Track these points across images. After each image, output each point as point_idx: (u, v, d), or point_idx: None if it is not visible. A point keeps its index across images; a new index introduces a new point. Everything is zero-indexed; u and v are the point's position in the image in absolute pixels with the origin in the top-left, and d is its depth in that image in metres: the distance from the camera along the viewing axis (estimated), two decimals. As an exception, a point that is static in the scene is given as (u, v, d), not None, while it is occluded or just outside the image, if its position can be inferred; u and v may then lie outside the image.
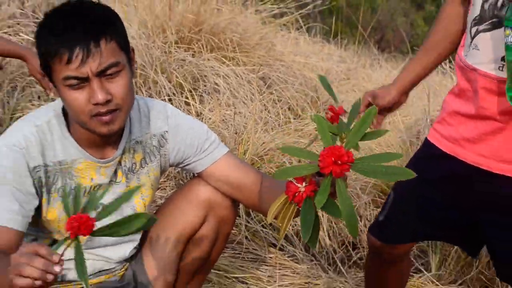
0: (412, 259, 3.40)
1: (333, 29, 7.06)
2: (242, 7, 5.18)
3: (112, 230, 1.68)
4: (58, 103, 2.07)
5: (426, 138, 2.40)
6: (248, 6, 5.26)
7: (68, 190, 2.08)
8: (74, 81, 1.85)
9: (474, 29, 2.14)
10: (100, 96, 1.85)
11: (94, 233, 1.60)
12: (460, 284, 3.29)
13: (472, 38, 2.15)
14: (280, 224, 1.77)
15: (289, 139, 3.80)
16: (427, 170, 2.00)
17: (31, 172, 1.97)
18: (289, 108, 4.41)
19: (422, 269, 3.34)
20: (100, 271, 2.32)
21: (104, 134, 1.98)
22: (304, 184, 1.69)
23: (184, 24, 4.55)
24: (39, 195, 2.01)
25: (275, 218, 1.80)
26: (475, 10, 2.12)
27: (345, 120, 1.79)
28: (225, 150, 2.30)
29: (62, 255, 1.57)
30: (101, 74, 1.87)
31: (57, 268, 1.52)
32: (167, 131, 2.25)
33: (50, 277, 1.51)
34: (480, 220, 2.23)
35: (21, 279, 1.50)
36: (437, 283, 3.26)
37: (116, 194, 2.16)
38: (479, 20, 2.12)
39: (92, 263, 2.25)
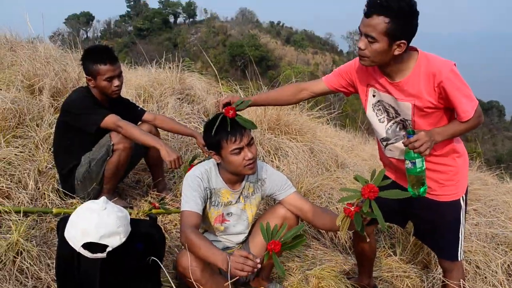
0: (387, 248, 3.32)
1: (345, 123, 7.14)
2: (300, 112, 5.18)
3: (291, 245, 1.90)
4: (212, 160, 2.26)
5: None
6: (303, 111, 5.26)
7: (217, 203, 2.27)
8: (237, 150, 2.09)
9: (384, 143, 2.24)
10: (250, 155, 2.11)
11: (282, 248, 1.86)
12: (412, 264, 3.14)
13: (385, 147, 2.26)
14: (342, 230, 1.91)
15: (324, 181, 3.73)
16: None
17: (204, 190, 2.17)
18: (323, 164, 4.33)
19: (392, 254, 3.22)
20: (227, 247, 2.39)
21: (250, 174, 2.21)
22: (353, 207, 1.85)
23: (271, 120, 4.58)
24: (205, 202, 2.19)
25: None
26: (380, 134, 2.23)
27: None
28: (294, 190, 2.41)
29: (260, 262, 1.78)
30: (248, 144, 2.11)
31: (258, 266, 1.75)
32: (266, 178, 2.38)
33: (254, 271, 1.75)
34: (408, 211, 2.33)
35: (240, 272, 1.72)
36: (400, 262, 3.13)
37: (238, 207, 2.33)
38: (386, 139, 2.23)
39: (224, 243, 2.38)
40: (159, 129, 3.12)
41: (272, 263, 2.31)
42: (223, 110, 2.13)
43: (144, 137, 2.66)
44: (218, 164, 2.23)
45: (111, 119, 2.66)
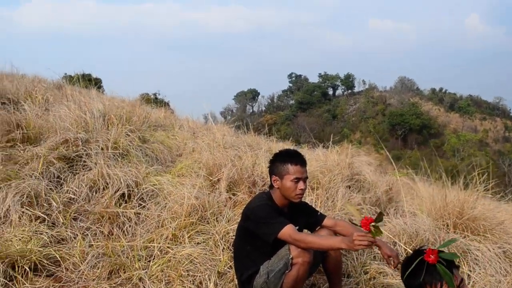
0: None
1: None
2: (487, 200, 4.52)
3: None
4: None
5: None
6: (487, 199, 4.58)
7: None
8: None
9: None
10: None
11: None
12: None
13: None
14: None
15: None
16: None
17: None
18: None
19: None
20: None
21: None
22: None
23: (453, 214, 4.06)
24: None
25: None
26: None
27: None
28: None
29: None
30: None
31: None
32: None
33: None
34: None
35: None
36: None
37: None
38: None
39: None
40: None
41: None
42: (424, 251, 1.86)
43: (324, 242, 2.53)
44: None
45: (287, 232, 2.56)
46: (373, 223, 2.23)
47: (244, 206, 3.85)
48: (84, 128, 5.16)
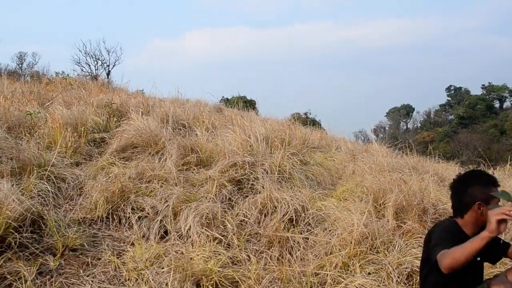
0: None
1: None
2: None
3: None
4: None
5: None
6: None
7: None
8: None
9: None
10: None
11: None
12: None
13: None
14: None
15: None
16: None
17: None
18: None
19: None
20: None
21: None
22: None
23: None
24: None
25: None
26: None
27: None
28: None
29: None
30: None
31: None
32: None
33: None
34: None
35: None
36: None
37: None
38: None
39: None
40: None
41: None
42: None
43: (466, 247, 2.14)
44: None
45: (439, 254, 2.26)
46: None
47: (417, 235, 3.69)
48: (249, 152, 5.47)
